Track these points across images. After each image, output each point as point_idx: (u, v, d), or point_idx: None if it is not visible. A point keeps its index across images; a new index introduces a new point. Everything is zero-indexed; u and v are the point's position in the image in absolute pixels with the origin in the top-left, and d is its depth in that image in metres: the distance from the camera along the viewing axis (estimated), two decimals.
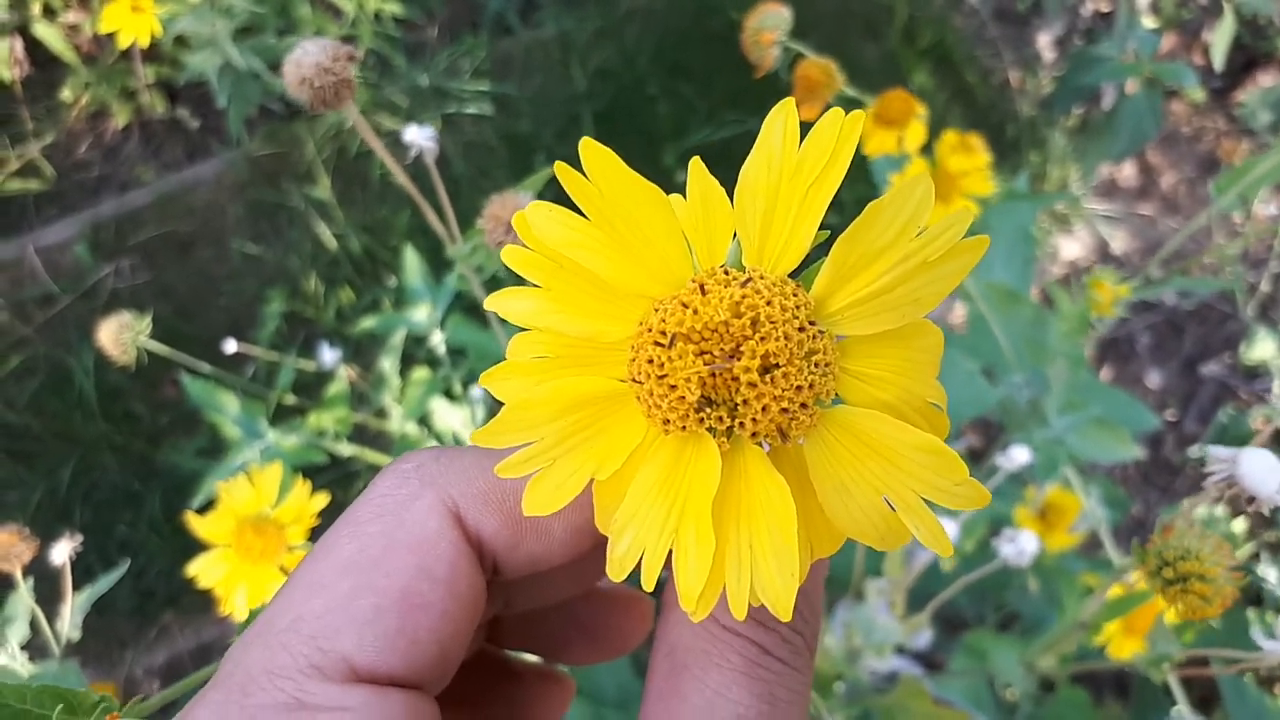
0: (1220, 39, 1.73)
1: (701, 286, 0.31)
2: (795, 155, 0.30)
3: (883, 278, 0.30)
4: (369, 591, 0.32)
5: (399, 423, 1.46)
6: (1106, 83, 1.74)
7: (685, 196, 0.32)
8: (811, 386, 0.30)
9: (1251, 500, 0.58)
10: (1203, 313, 2.14)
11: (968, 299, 1.20)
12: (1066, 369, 1.11)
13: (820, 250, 0.31)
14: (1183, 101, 2.36)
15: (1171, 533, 0.60)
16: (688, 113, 2.31)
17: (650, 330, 0.31)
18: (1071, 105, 1.95)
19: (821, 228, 0.31)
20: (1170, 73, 1.46)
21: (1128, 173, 2.31)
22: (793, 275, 0.31)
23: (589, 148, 0.30)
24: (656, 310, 0.31)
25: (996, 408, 1.22)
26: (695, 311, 0.30)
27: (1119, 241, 2.23)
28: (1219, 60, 1.71)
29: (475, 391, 1.42)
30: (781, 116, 0.30)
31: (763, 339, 0.30)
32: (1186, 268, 1.56)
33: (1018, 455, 1.02)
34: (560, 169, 0.30)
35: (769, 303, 0.30)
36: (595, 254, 0.31)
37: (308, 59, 0.66)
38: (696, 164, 0.31)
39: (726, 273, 0.31)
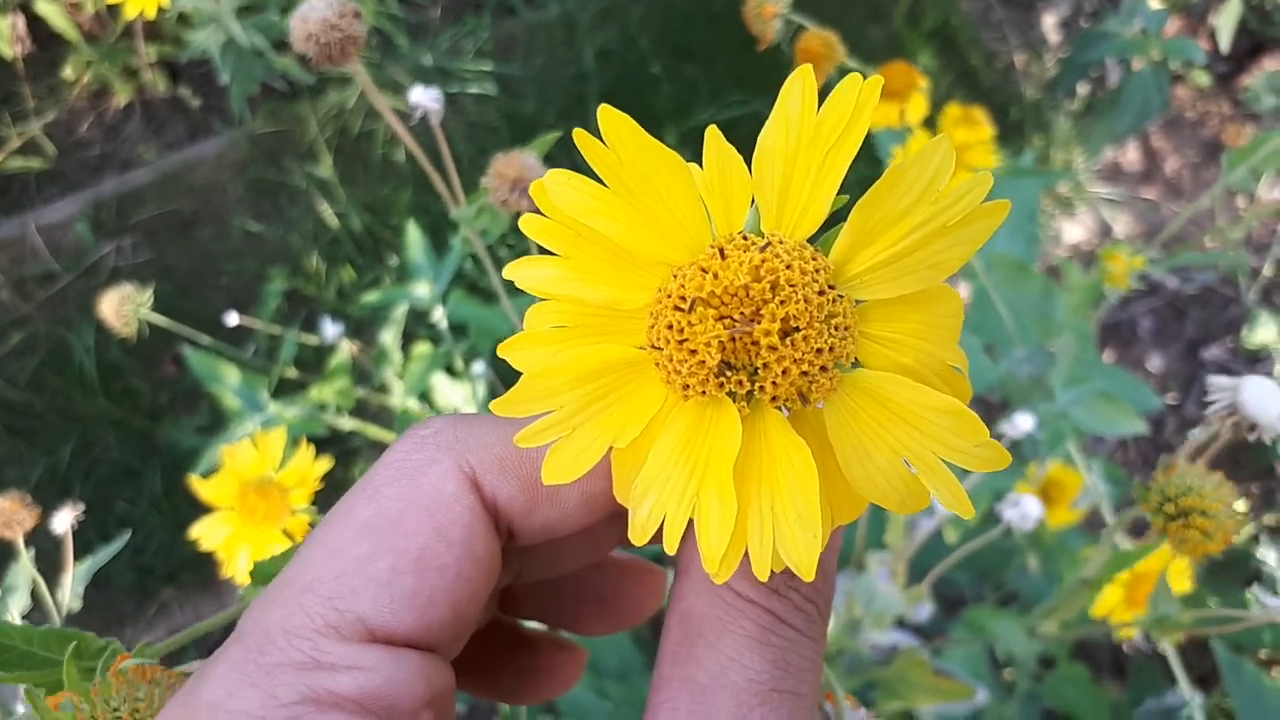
0: (1226, 22, 1.73)
1: (721, 251, 0.30)
2: (813, 120, 0.30)
3: (903, 241, 0.30)
4: (386, 553, 0.32)
5: (400, 398, 1.46)
6: (1112, 60, 1.73)
7: (701, 166, 0.32)
8: (831, 350, 0.30)
9: (1253, 428, 0.59)
10: (1205, 297, 2.14)
11: (972, 277, 1.20)
12: (1074, 343, 1.11)
13: (839, 215, 0.31)
14: (1187, 86, 2.36)
15: (1174, 471, 0.61)
16: (691, 93, 2.31)
17: (670, 296, 0.31)
18: (1076, 82, 1.94)
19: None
20: (1178, 49, 1.46)
21: (1131, 156, 2.30)
22: (811, 240, 0.31)
23: (607, 114, 0.30)
24: (676, 276, 0.31)
25: (997, 384, 1.23)
26: (715, 276, 0.30)
27: (1122, 225, 2.23)
28: (1224, 43, 1.70)
29: (476, 367, 1.42)
30: (799, 82, 0.30)
31: (783, 302, 0.30)
32: (1188, 250, 1.56)
33: (1022, 423, 1.02)
34: (579, 136, 0.30)
35: (789, 266, 0.30)
36: (614, 221, 0.31)
37: (314, 14, 0.66)
38: (713, 131, 0.31)
39: (745, 238, 0.31)
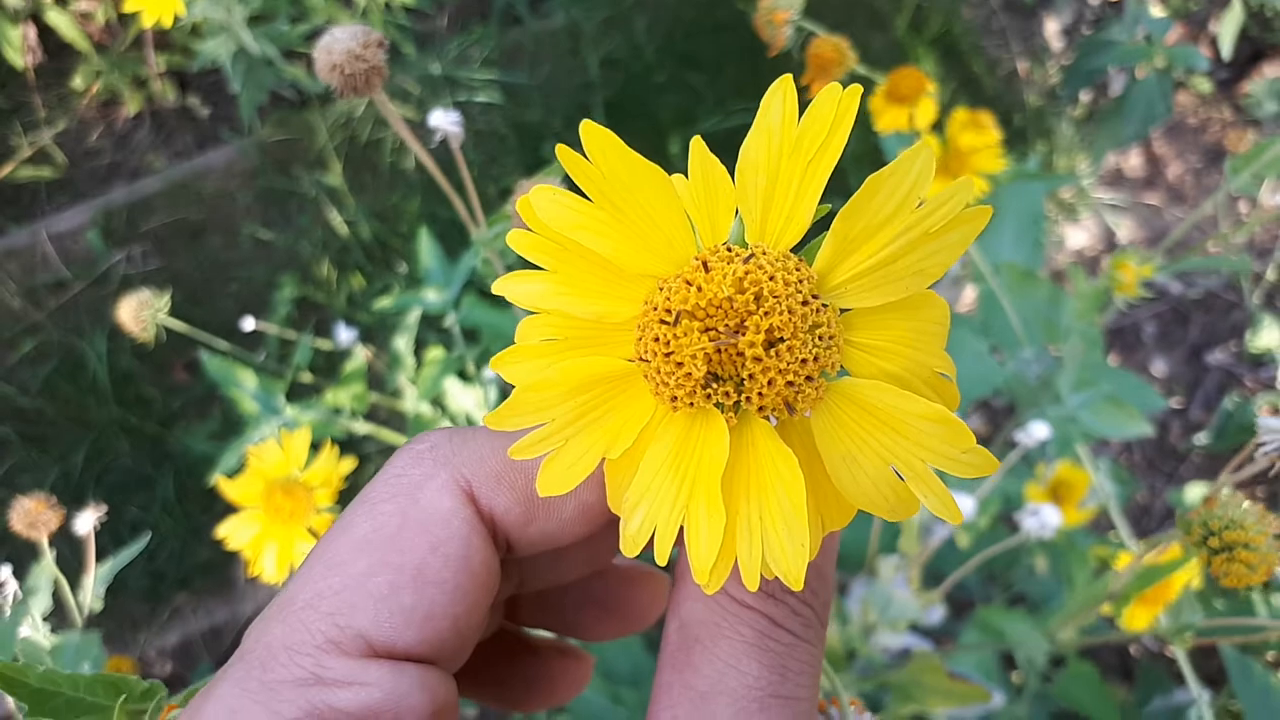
0: (1228, 29, 1.73)
1: (705, 264, 0.31)
2: (794, 131, 0.30)
3: (885, 249, 0.30)
4: (384, 569, 0.32)
5: (413, 403, 1.46)
6: (1115, 68, 1.73)
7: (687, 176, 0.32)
8: (816, 359, 0.30)
9: None
10: (1208, 301, 2.14)
11: (980, 279, 1.20)
12: (1082, 347, 1.11)
13: (822, 225, 0.31)
14: (1189, 92, 2.36)
15: (1215, 504, 0.62)
16: (695, 102, 2.31)
17: (655, 309, 0.31)
18: (1080, 89, 1.94)
19: (823, 202, 0.31)
20: (1182, 55, 1.46)
21: (1134, 162, 2.30)
22: (795, 250, 0.31)
23: (589, 129, 0.30)
24: (661, 289, 0.31)
25: (1005, 386, 1.23)
26: (699, 288, 0.30)
27: (1125, 231, 2.22)
28: (1226, 50, 1.70)
29: (488, 373, 1.42)
30: (780, 93, 0.30)
31: (767, 313, 0.30)
32: (1192, 255, 1.57)
33: (1036, 431, 1.02)
34: (562, 151, 0.30)
35: (772, 278, 0.30)
36: (599, 235, 0.31)
37: (339, 45, 0.65)
38: (697, 143, 0.31)
39: (729, 249, 0.31)
